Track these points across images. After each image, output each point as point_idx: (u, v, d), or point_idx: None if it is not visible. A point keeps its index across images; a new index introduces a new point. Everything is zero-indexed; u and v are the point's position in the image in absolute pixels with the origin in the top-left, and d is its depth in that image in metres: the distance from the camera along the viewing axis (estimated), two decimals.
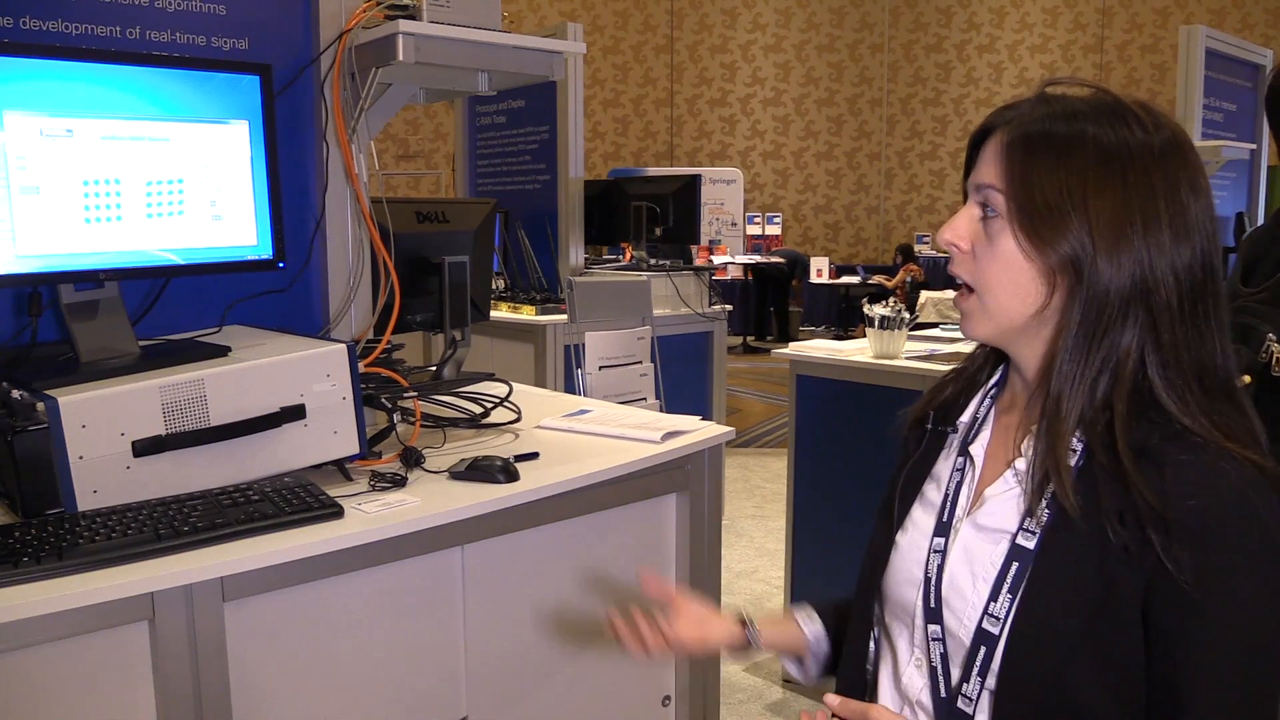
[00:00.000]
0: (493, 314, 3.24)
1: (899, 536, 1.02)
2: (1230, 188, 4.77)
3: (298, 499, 1.27)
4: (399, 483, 1.42)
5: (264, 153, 1.49)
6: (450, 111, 8.99)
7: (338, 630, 1.29)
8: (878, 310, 2.81)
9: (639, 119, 13.65)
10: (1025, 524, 0.89)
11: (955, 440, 1.02)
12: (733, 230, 11.55)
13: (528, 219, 4.45)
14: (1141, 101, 0.90)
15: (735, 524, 4.43)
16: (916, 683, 0.96)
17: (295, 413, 1.35)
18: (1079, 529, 0.85)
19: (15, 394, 1.25)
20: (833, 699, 0.91)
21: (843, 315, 11.15)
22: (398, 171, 11.43)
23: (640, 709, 1.68)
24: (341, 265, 1.75)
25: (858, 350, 2.90)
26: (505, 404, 1.81)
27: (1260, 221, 4.29)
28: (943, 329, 3.44)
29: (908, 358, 2.79)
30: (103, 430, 1.20)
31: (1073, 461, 0.86)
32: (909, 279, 10.73)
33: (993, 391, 1.01)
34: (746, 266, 11.22)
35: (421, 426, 1.63)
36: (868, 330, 2.85)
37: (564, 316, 3.53)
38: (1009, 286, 0.90)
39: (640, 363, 2.93)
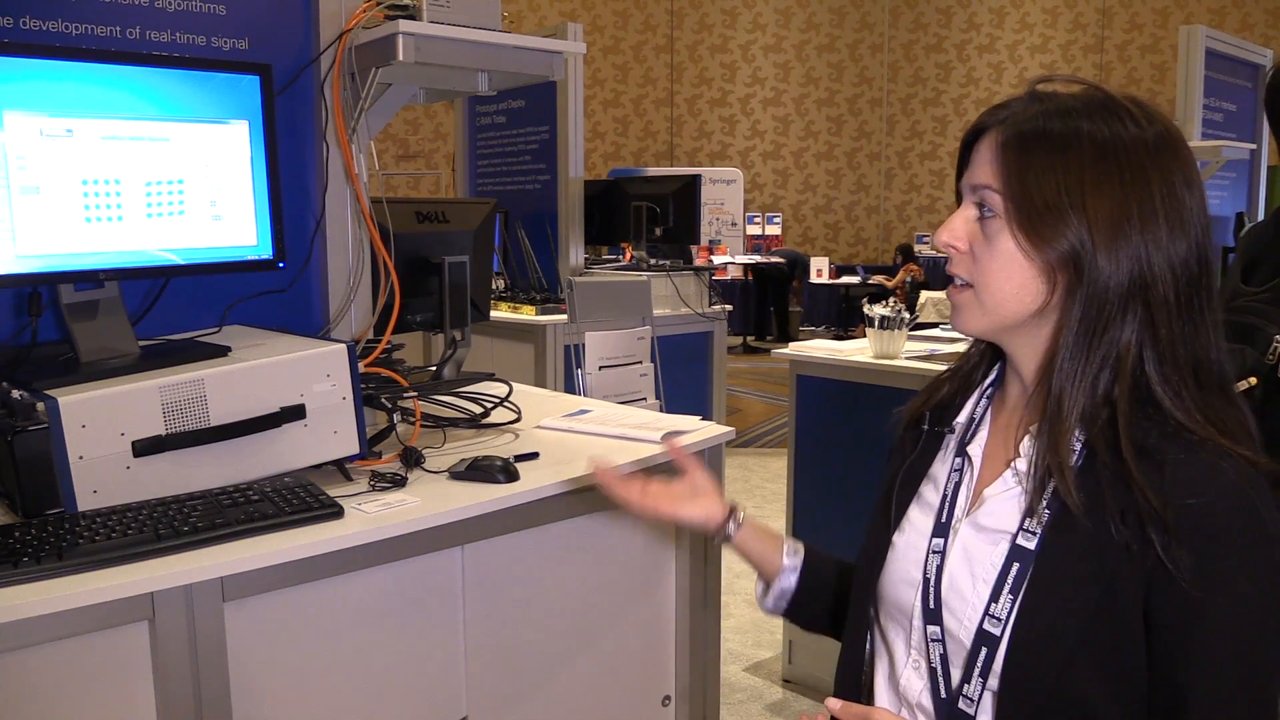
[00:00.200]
0: (493, 314, 3.23)
1: (896, 537, 1.01)
2: (1230, 188, 4.77)
3: (298, 499, 1.27)
4: (399, 483, 1.42)
5: (264, 153, 1.49)
6: (450, 111, 8.99)
7: (338, 630, 1.29)
8: (878, 310, 2.81)
9: (639, 119, 13.65)
10: (1025, 524, 0.89)
11: (952, 441, 1.01)
12: (733, 230, 11.54)
13: (528, 219, 4.45)
14: (1132, 96, 0.90)
15: None
16: (915, 684, 0.96)
17: (295, 413, 1.35)
18: (1080, 528, 0.84)
19: (15, 394, 1.25)
20: (834, 702, 0.91)
21: (843, 315, 11.15)
22: (398, 171, 11.43)
23: (640, 709, 1.68)
24: (341, 265, 1.75)
25: (858, 350, 2.90)
26: (505, 404, 1.81)
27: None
28: (943, 329, 3.44)
29: (908, 358, 2.79)
30: (103, 430, 1.20)
31: (1073, 460, 0.86)
32: (909, 279, 10.73)
33: (989, 391, 1.01)
34: (746, 266, 11.22)
35: (421, 426, 1.63)
36: (868, 330, 2.85)
37: (564, 316, 3.53)
38: (1009, 286, 0.90)
39: (640, 363, 2.93)
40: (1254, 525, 0.82)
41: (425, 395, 1.80)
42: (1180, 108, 4.24)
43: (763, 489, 5.13)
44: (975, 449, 0.98)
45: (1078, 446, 0.87)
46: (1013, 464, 0.93)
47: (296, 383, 1.36)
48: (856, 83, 13.78)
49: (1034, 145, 0.88)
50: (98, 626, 1.07)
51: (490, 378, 2.02)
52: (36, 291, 1.37)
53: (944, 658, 0.92)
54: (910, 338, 2.93)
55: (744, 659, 3.24)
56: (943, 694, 0.92)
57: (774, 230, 12.78)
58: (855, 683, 1.05)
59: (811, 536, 1.21)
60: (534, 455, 1.57)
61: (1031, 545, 0.88)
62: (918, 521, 1.00)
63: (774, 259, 11.46)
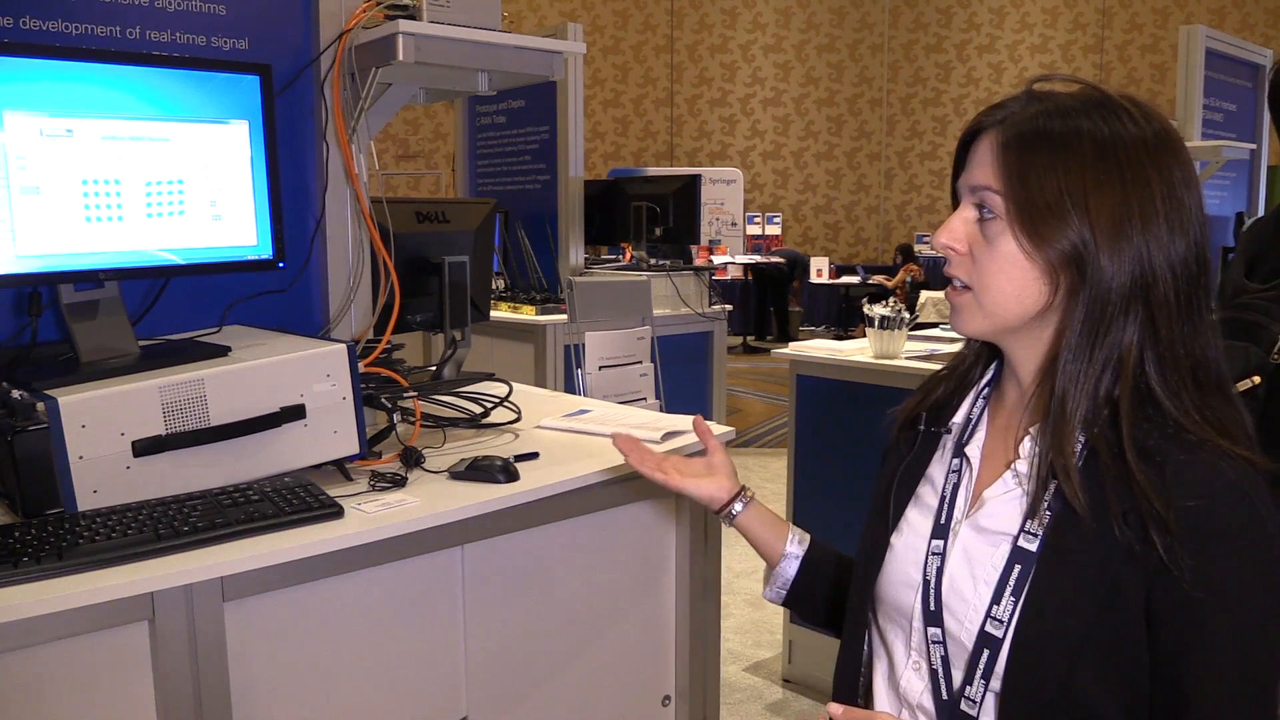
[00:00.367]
0: (493, 314, 3.24)
1: (894, 539, 1.01)
2: (1230, 188, 4.77)
3: (298, 499, 1.27)
4: (399, 483, 1.42)
5: (264, 153, 1.49)
6: (450, 111, 8.99)
7: (338, 630, 1.29)
8: (878, 310, 2.81)
9: (639, 119, 13.65)
10: (1027, 526, 0.89)
11: (949, 441, 1.01)
12: (733, 230, 11.55)
13: (528, 219, 4.45)
14: (1129, 95, 0.89)
15: None
16: (916, 686, 0.96)
17: (295, 413, 1.35)
18: (1082, 529, 0.84)
19: (15, 394, 1.25)
20: (836, 708, 0.90)
21: (843, 315, 11.15)
22: (398, 171, 11.43)
23: (640, 709, 1.68)
24: (341, 265, 1.75)
25: (858, 350, 2.90)
26: (505, 404, 1.81)
27: None
28: (943, 329, 3.44)
29: (908, 358, 2.79)
30: (103, 430, 1.20)
31: (1075, 461, 0.86)
32: (909, 279, 10.73)
33: (985, 391, 1.01)
34: (746, 266, 11.22)
35: (421, 426, 1.63)
36: (868, 330, 2.85)
37: (564, 316, 3.53)
38: (1010, 287, 0.90)
39: (640, 363, 2.93)
40: (1254, 525, 0.82)
41: (425, 395, 1.80)
42: (1180, 108, 4.24)
43: (763, 489, 5.13)
44: (973, 450, 0.98)
45: (1079, 447, 0.87)
46: (1013, 465, 0.92)
47: (296, 383, 1.36)
48: (856, 83, 13.79)
49: (1035, 145, 0.87)
50: (98, 626, 1.07)
51: (490, 378, 2.02)
52: (36, 291, 1.37)
53: (945, 659, 0.92)
54: (910, 338, 2.93)
55: (744, 659, 3.24)
56: (944, 695, 0.92)
57: (774, 230, 12.79)
58: (854, 683, 1.05)
59: (812, 536, 1.22)
60: (534, 455, 1.57)
61: (1033, 547, 0.88)
62: (916, 523, 1.00)
63: (774, 259, 11.47)
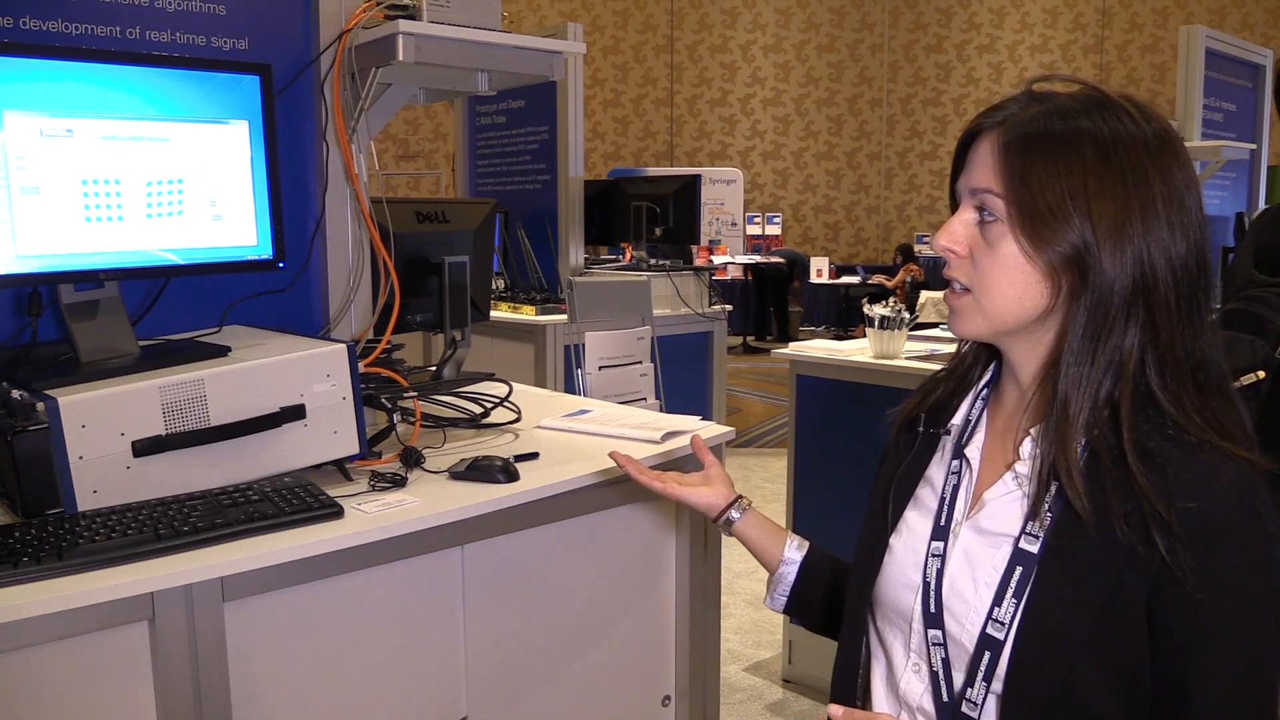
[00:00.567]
0: (493, 314, 3.24)
1: (893, 540, 1.01)
2: (1230, 188, 4.77)
3: (298, 499, 1.27)
4: (399, 483, 1.42)
5: (264, 153, 1.49)
6: (450, 111, 8.99)
7: (338, 630, 1.29)
8: (878, 310, 2.81)
9: (639, 119, 13.65)
10: (1028, 528, 0.88)
11: (948, 443, 1.01)
12: (733, 230, 11.55)
13: (528, 219, 4.45)
14: (1129, 96, 0.89)
15: None
16: (916, 688, 0.96)
17: (295, 413, 1.35)
18: (1084, 531, 0.84)
19: (15, 394, 1.25)
20: (836, 710, 0.90)
21: (843, 315, 11.15)
22: (398, 171, 11.42)
23: (640, 709, 1.68)
24: (341, 265, 1.75)
25: (858, 350, 2.90)
26: (505, 404, 1.81)
27: None
28: (943, 329, 3.44)
29: (908, 358, 2.79)
30: (103, 430, 1.20)
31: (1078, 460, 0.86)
32: (909, 279, 10.73)
33: (984, 392, 1.01)
34: (746, 266, 11.22)
35: (421, 426, 1.63)
36: (868, 330, 2.85)
37: (564, 316, 3.53)
38: (1011, 290, 0.89)
39: (640, 363, 2.93)
40: (1255, 526, 0.82)
41: (425, 395, 1.80)
42: (1180, 108, 4.24)
43: (763, 489, 5.13)
44: (973, 451, 0.98)
45: (1080, 449, 0.86)
46: (1013, 467, 0.92)
47: (296, 383, 1.36)
48: (856, 83, 13.79)
49: (1036, 147, 0.87)
50: (98, 626, 1.07)
51: (490, 378, 2.02)
52: (36, 291, 1.37)
53: (945, 661, 0.92)
54: (910, 338, 2.93)
55: (744, 659, 3.24)
56: (945, 698, 0.92)
57: (774, 230, 12.79)
58: (852, 685, 1.05)
59: (812, 536, 1.22)
60: (534, 455, 1.57)
61: (1034, 549, 0.87)
62: (915, 524, 1.00)
63: (774, 259, 11.47)
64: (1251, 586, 0.82)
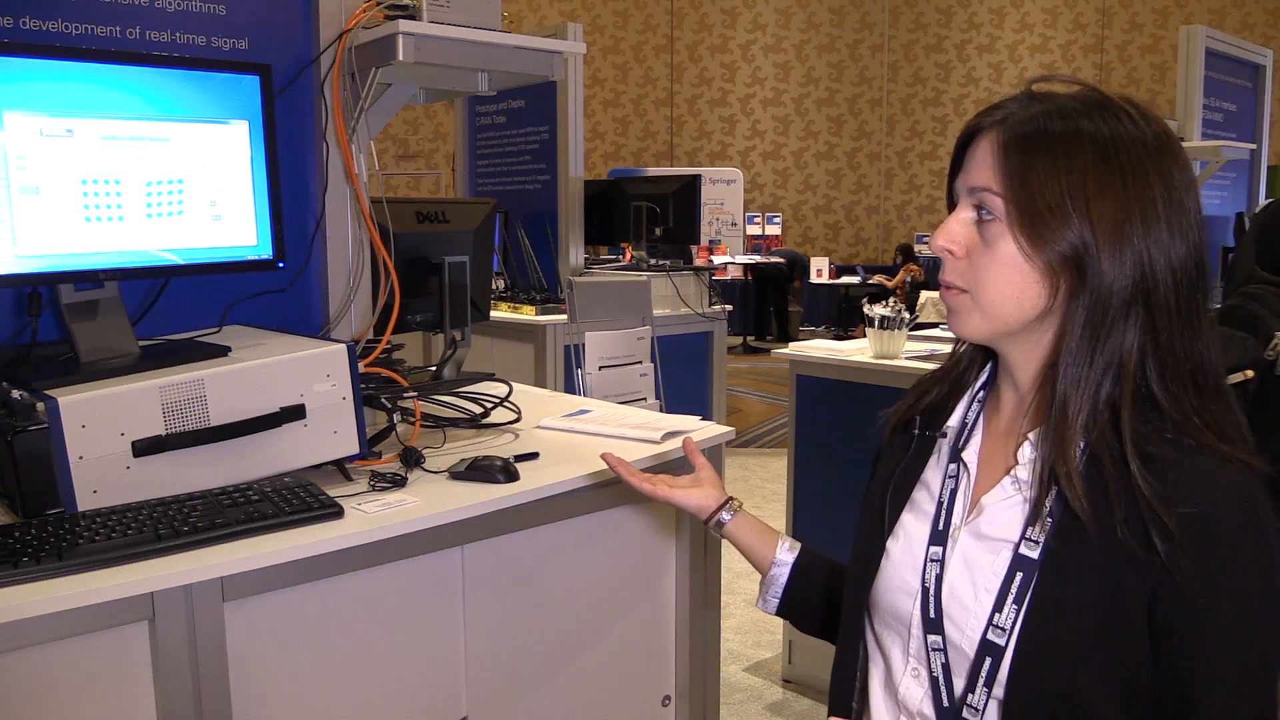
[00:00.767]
0: (493, 314, 3.24)
1: (890, 544, 1.00)
2: (1230, 188, 4.77)
3: (298, 499, 1.27)
4: (399, 483, 1.42)
5: (264, 153, 1.49)
6: (450, 111, 8.99)
7: (338, 630, 1.29)
8: (878, 310, 2.81)
9: (639, 119, 13.65)
10: (1028, 533, 0.88)
11: (945, 445, 1.00)
12: (733, 230, 11.55)
13: (528, 219, 4.45)
14: (1128, 97, 0.89)
15: None
16: (915, 692, 0.95)
17: (295, 413, 1.35)
18: (1085, 536, 0.84)
19: (15, 394, 1.25)
20: None
21: (843, 315, 11.15)
22: (398, 171, 11.42)
23: (640, 709, 1.68)
24: (341, 265, 1.75)
25: (858, 350, 2.90)
26: (505, 404, 1.81)
27: None
28: (942, 329, 3.44)
29: (908, 358, 2.79)
30: (103, 430, 1.20)
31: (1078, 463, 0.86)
32: (909, 279, 10.73)
33: (980, 395, 1.00)
34: (746, 266, 11.22)
35: (421, 426, 1.63)
36: (868, 330, 2.85)
37: (564, 316, 3.53)
38: (1009, 290, 0.89)
39: (640, 363, 2.93)
40: (1255, 529, 0.82)
41: (425, 395, 1.80)
42: (1180, 108, 4.24)
43: (763, 489, 5.13)
44: (970, 455, 0.97)
45: (1079, 452, 0.86)
46: (1012, 471, 0.92)
47: (296, 383, 1.36)
48: (856, 83, 13.79)
49: (1036, 147, 0.86)
50: (98, 626, 1.07)
51: (490, 378, 2.02)
52: (36, 291, 1.37)
53: (945, 666, 0.91)
54: (910, 338, 2.93)
55: (744, 659, 3.24)
56: (945, 703, 0.91)
57: (774, 230, 12.79)
58: (850, 689, 1.04)
59: (812, 536, 1.22)
60: (534, 455, 1.57)
61: (1035, 554, 0.87)
62: (912, 529, 0.99)
63: (774, 259, 11.47)
64: (1252, 589, 0.82)
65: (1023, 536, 0.88)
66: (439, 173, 11.40)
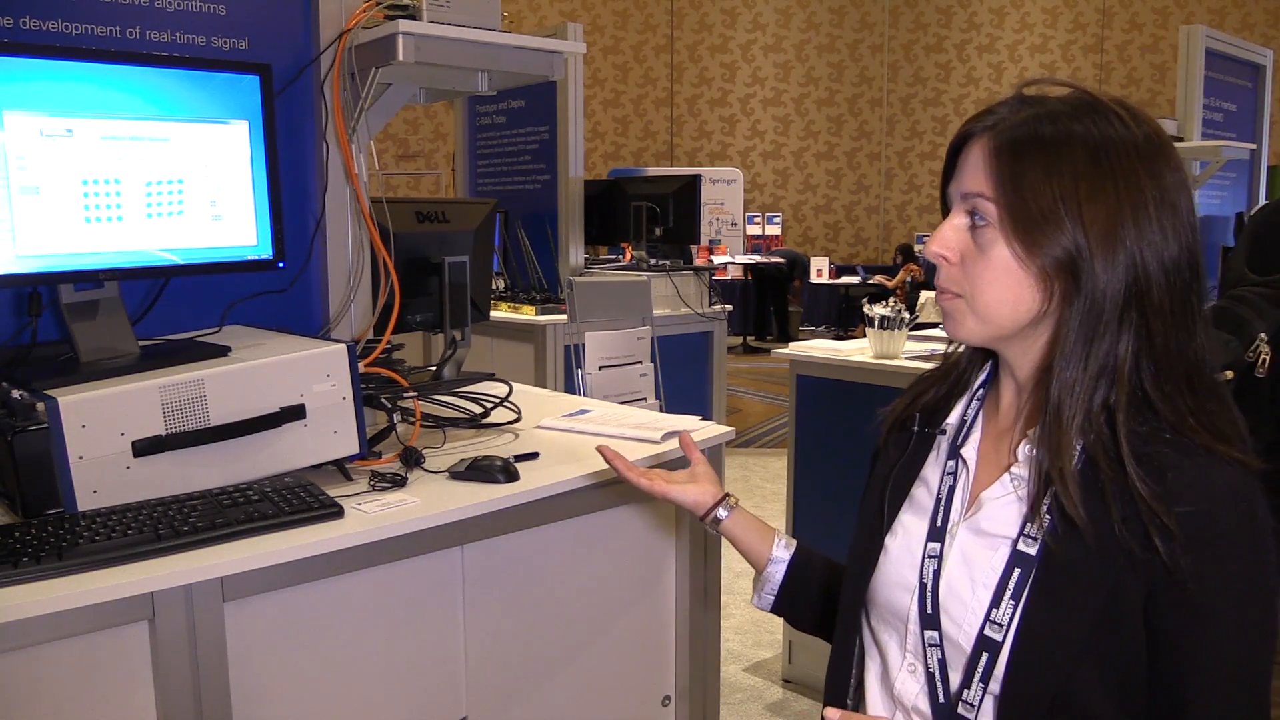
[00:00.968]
0: (493, 314, 3.24)
1: (888, 540, 1.01)
2: (1230, 188, 4.77)
3: (298, 499, 1.27)
4: (399, 483, 1.42)
5: (264, 153, 1.49)
6: (450, 111, 8.99)
7: (338, 630, 1.29)
8: (878, 310, 2.81)
9: (639, 119, 13.65)
10: (1026, 530, 0.88)
11: (943, 443, 1.01)
12: (733, 230, 11.55)
13: (528, 219, 4.45)
14: (1117, 98, 0.89)
15: None
16: (911, 688, 0.95)
17: (295, 413, 1.35)
18: (1083, 534, 0.84)
19: (15, 394, 1.25)
20: (833, 713, 0.90)
21: (843, 315, 11.15)
22: (398, 171, 11.42)
23: (640, 709, 1.68)
24: (341, 265, 1.75)
25: (858, 350, 2.90)
26: (505, 404, 1.81)
27: None
28: (942, 329, 3.44)
29: (908, 358, 2.79)
30: (103, 430, 1.20)
31: (1074, 466, 0.86)
32: (909, 279, 10.73)
33: (979, 393, 1.00)
34: (746, 266, 11.22)
35: (421, 426, 1.63)
36: (868, 330, 2.85)
37: (564, 316, 3.53)
38: (1004, 294, 0.89)
39: (640, 363, 2.93)
40: (1252, 529, 0.82)
41: (425, 395, 1.80)
42: (1180, 108, 4.24)
43: (763, 489, 5.13)
44: (969, 451, 0.97)
45: (1076, 454, 0.86)
46: (1011, 469, 0.92)
47: (296, 383, 1.36)
48: (856, 83, 13.78)
49: (1027, 151, 0.86)
50: (98, 626, 1.07)
51: (490, 378, 2.02)
52: (36, 291, 1.37)
53: (942, 662, 0.92)
54: (910, 338, 2.93)
55: (744, 659, 3.24)
56: (941, 698, 0.92)
57: (774, 230, 12.79)
58: (845, 684, 1.04)
59: (812, 536, 1.22)
60: (534, 455, 1.57)
61: (1033, 551, 0.87)
62: (910, 525, 0.99)
63: (774, 259, 11.47)
64: (1248, 588, 0.82)
65: (1021, 533, 0.89)
66: (439, 173, 11.40)
